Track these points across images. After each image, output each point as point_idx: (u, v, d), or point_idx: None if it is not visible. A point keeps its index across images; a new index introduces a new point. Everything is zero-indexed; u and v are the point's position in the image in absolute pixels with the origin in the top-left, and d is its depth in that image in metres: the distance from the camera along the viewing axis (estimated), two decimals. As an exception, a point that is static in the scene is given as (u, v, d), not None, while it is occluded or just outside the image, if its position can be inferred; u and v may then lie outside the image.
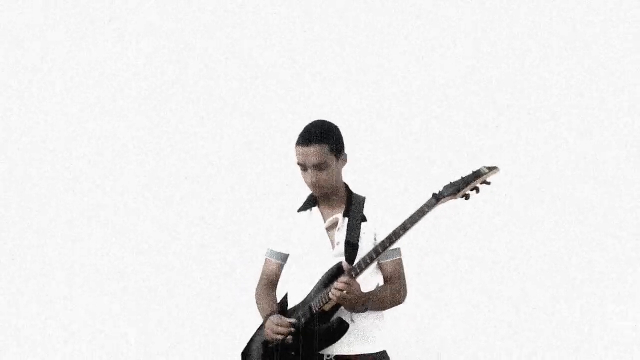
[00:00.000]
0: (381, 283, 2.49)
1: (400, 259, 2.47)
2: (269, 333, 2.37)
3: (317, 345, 2.32)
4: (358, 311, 2.32)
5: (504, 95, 3.62)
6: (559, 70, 3.58)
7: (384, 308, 2.42)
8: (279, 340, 2.34)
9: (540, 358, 3.49)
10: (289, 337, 2.33)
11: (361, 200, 2.49)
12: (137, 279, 3.74)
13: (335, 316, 2.33)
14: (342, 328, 2.30)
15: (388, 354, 2.47)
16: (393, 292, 2.43)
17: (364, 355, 2.39)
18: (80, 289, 3.75)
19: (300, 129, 2.46)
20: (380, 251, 2.25)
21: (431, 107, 3.66)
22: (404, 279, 2.48)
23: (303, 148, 2.36)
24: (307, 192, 2.55)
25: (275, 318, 2.38)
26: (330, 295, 2.26)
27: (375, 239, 2.43)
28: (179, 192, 3.78)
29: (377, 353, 2.41)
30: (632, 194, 3.51)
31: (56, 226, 3.78)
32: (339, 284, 2.24)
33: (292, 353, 2.34)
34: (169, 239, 3.75)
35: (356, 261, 2.34)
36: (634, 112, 3.53)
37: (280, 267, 2.59)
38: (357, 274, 2.27)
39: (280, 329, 2.34)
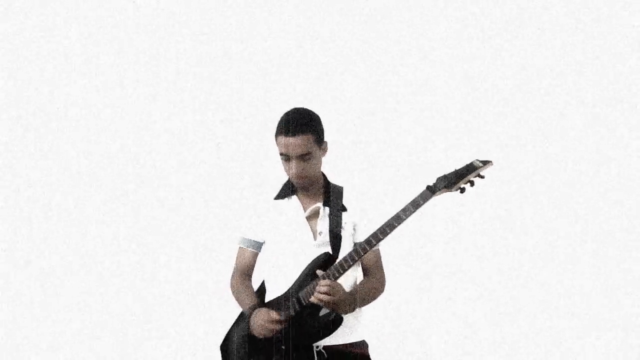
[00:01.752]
0: (359, 276, 2.48)
1: (378, 249, 2.47)
2: (260, 329, 2.30)
3: (312, 337, 2.28)
4: (348, 311, 2.29)
5: (487, 87, 3.66)
6: (550, 64, 3.64)
7: (370, 302, 2.41)
8: (272, 334, 2.28)
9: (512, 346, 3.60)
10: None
11: (340, 190, 2.46)
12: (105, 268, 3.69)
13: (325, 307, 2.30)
14: (337, 320, 2.27)
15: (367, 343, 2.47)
16: (376, 284, 2.43)
17: (348, 345, 2.38)
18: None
19: (274, 117, 2.38)
20: (374, 243, 2.21)
21: (406, 101, 3.67)
22: (383, 268, 2.49)
23: (288, 138, 2.28)
24: (279, 179, 2.49)
25: (264, 313, 2.31)
26: (312, 299, 2.22)
27: (354, 230, 2.42)
28: (152, 182, 3.72)
29: (358, 342, 2.42)
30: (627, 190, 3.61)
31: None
32: (321, 287, 2.20)
33: (283, 347, 2.29)
34: (141, 229, 3.69)
35: (341, 253, 2.32)
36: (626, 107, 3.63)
37: (255, 257, 2.52)
38: (344, 270, 2.24)
39: (273, 325, 2.28)
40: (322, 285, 2.21)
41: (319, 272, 2.26)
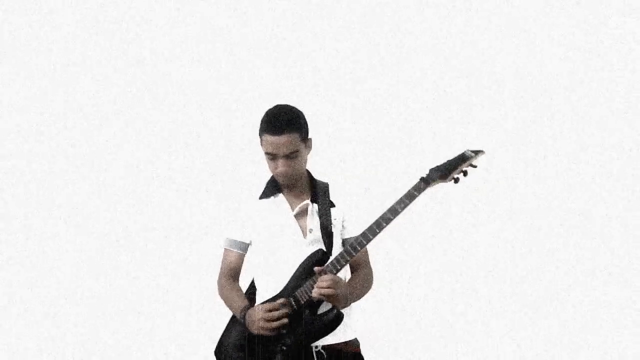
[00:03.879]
0: (348, 273, 2.45)
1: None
2: (261, 324, 2.22)
3: (313, 336, 2.23)
4: (346, 306, 2.26)
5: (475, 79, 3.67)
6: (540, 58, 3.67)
7: (361, 297, 2.37)
8: (277, 327, 2.22)
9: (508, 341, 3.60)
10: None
11: (325, 186, 2.42)
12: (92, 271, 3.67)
13: (323, 306, 2.26)
14: (339, 317, 2.23)
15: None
16: (366, 279, 2.40)
17: (343, 343, 2.33)
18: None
19: (257, 115, 2.33)
20: (371, 237, 2.18)
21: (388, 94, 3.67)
22: (370, 263, 2.46)
23: (274, 137, 2.23)
24: (262, 178, 2.44)
25: (262, 306, 2.25)
26: (314, 294, 2.18)
27: (343, 226, 2.39)
28: (136, 182, 3.69)
29: (352, 340, 2.38)
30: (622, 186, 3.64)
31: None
32: (323, 282, 2.17)
33: (284, 348, 2.23)
34: (125, 230, 3.67)
35: (334, 250, 2.29)
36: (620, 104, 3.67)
37: (241, 258, 2.45)
38: (341, 266, 2.22)
39: (274, 314, 2.21)
40: (325, 279, 2.17)
41: (317, 268, 2.21)
